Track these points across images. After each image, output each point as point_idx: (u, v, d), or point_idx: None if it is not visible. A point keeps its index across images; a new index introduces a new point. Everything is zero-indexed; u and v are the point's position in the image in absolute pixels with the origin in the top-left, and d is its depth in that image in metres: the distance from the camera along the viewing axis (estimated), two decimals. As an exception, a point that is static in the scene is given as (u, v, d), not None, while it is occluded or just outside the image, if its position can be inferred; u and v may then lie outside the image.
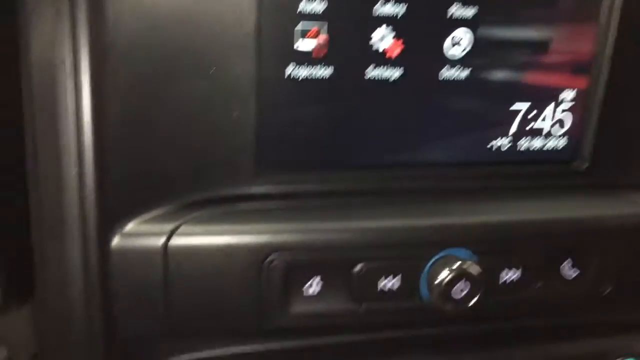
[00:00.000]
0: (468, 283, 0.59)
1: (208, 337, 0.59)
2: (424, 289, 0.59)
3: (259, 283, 0.56)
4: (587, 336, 0.69)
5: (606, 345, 0.69)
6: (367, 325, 0.62)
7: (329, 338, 0.63)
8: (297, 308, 0.58)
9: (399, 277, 0.59)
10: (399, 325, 0.63)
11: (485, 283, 0.59)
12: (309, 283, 0.57)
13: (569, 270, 0.64)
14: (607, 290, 0.65)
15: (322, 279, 0.58)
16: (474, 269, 0.59)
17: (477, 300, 0.59)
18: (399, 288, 0.59)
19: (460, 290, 0.59)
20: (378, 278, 0.58)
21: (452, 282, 0.58)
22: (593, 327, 0.70)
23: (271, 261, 0.56)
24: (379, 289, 0.59)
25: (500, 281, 0.62)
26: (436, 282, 0.58)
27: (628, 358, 0.69)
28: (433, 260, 0.59)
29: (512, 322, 0.67)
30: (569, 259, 0.64)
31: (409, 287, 0.59)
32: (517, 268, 0.62)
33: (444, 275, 0.58)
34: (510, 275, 0.62)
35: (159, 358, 0.59)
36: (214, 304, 0.56)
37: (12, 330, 0.56)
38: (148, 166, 0.53)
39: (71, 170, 0.50)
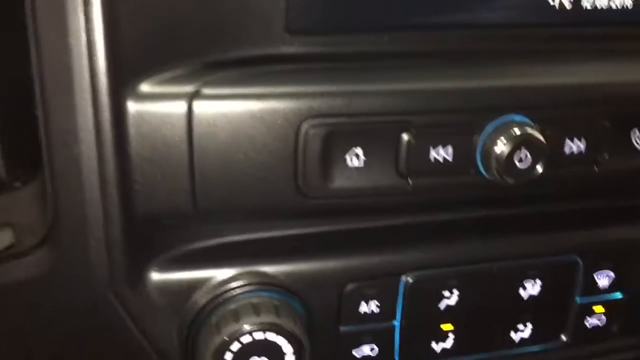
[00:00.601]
0: (530, 152, 0.51)
1: (238, 218, 0.53)
2: (480, 161, 0.52)
3: (294, 153, 0.49)
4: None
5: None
6: (415, 205, 0.55)
7: (373, 220, 0.56)
8: (338, 182, 0.51)
9: (451, 147, 0.52)
10: (451, 205, 0.57)
11: (548, 153, 0.52)
12: (350, 153, 0.50)
13: (638, 140, 0.57)
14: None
15: (365, 149, 0.51)
16: (538, 136, 0.51)
17: (541, 172, 0.52)
18: (452, 159, 0.52)
19: (520, 160, 0.51)
20: (428, 147, 0.51)
21: (513, 150, 0.51)
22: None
23: (308, 128, 0.49)
24: (429, 160, 0.52)
25: (565, 151, 0.54)
26: (495, 150, 0.51)
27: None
28: (490, 126, 0.52)
29: (576, 201, 0.60)
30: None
31: (464, 157, 0.52)
32: (583, 137, 0.54)
33: (504, 142, 0.51)
34: (575, 145, 0.55)
35: (183, 242, 0.52)
36: (244, 178, 0.49)
37: (18, 211, 0.49)
38: (166, 17, 0.45)
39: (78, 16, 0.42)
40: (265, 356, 0.51)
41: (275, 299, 0.52)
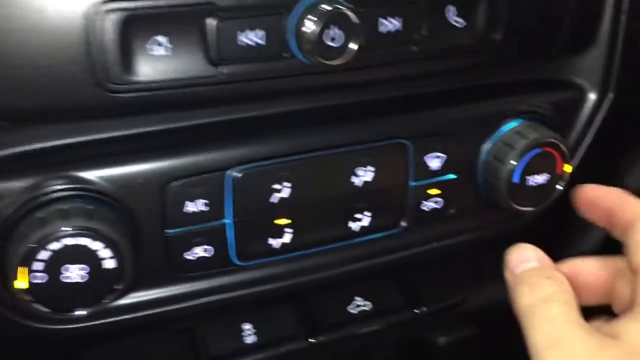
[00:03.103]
0: (342, 30, 0.50)
1: (39, 119, 0.49)
2: (292, 42, 0.50)
3: (87, 43, 0.45)
4: (473, 100, 0.63)
5: (493, 109, 0.64)
6: (231, 95, 0.53)
7: (189, 117, 0.54)
8: (142, 73, 0.48)
9: (262, 30, 0.50)
10: (272, 95, 0.55)
11: (361, 31, 0.51)
12: (152, 41, 0.47)
13: (454, 16, 0.56)
14: (497, 37, 0.59)
15: (170, 36, 0.48)
16: (347, 13, 0.50)
17: (355, 50, 0.51)
18: (263, 43, 0.50)
19: (332, 39, 0.50)
20: (236, 32, 0.49)
21: (323, 28, 0.49)
22: (478, 90, 0.64)
23: (102, 14, 0.45)
24: (239, 45, 0.49)
25: (381, 30, 0.53)
26: (305, 30, 0.49)
27: (516, 119, 0.64)
28: (300, 5, 0.50)
29: (400, 84, 0.60)
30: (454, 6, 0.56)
31: (275, 40, 0.50)
32: (397, 15, 0.54)
33: (314, 20, 0.49)
34: (390, 23, 0.54)
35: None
36: (37, 73, 0.45)
37: None
38: None
39: None
40: (81, 263, 0.48)
41: (88, 204, 0.49)
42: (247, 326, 0.69)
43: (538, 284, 0.48)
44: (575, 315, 0.45)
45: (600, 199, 0.56)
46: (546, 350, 0.43)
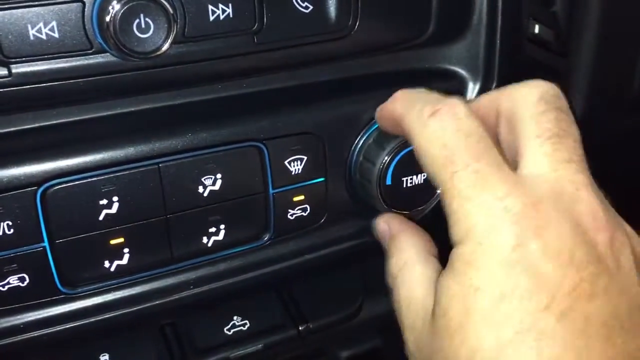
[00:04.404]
0: (153, 19, 0.43)
1: None
2: (97, 33, 0.43)
3: None
4: (335, 95, 0.57)
5: (359, 104, 0.57)
6: (28, 100, 0.45)
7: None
8: None
9: (53, 21, 0.42)
10: (78, 96, 0.47)
11: (187, 20, 0.44)
12: None
13: (299, 1, 0.50)
14: (352, 23, 0.52)
15: None
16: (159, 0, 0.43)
17: (175, 44, 0.44)
18: (58, 35, 0.42)
19: (142, 29, 0.43)
20: (27, 25, 0.41)
21: (126, 17, 0.42)
22: (341, 84, 0.58)
23: None
24: (30, 38, 0.42)
25: (210, 18, 0.46)
26: (107, 17, 0.42)
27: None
28: (97, -5, 0.42)
29: (249, 80, 0.53)
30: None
31: (74, 31, 0.43)
32: (229, 1, 0.47)
33: (115, 7, 0.42)
34: (219, 10, 0.47)
35: None
36: None
37: None
38: None
39: None
40: None
41: None
42: (104, 357, 0.61)
43: (389, 265, 0.51)
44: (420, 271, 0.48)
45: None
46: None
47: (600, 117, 0.76)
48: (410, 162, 0.56)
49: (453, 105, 0.43)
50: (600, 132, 0.73)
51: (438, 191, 0.58)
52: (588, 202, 0.40)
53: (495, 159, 0.41)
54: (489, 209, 0.39)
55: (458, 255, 0.41)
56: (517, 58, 0.62)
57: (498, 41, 0.60)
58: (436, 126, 0.43)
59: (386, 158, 0.56)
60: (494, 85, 0.62)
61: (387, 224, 0.55)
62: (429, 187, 0.59)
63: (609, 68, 0.76)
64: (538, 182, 0.40)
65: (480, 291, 0.39)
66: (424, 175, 0.58)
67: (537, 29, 0.68)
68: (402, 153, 0.56)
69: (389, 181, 0.57)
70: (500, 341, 0.37)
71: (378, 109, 0.53)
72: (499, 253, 0.38)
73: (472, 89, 0.62)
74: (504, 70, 0.61)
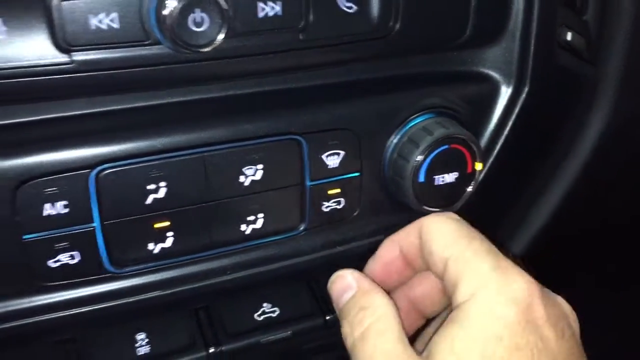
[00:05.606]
0: (207, 14, 0.45)
1: None
2: (154, 25, 0.45)
3: None
4: (373, 93, 0.59)
5: (395, 102, 0.59)
6: (89, 86, 0.47)
7: (39, 108, 0.48)
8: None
9: (114, 12, 0.45)
10: (133, 84, 0.50)
11: (236, 16, 0.46)
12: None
13: (345, 1, 0.52)
14: (395, 25, 0.54)
15: (5, 16, 0.42)
16: (216, -5, 0.45)
17: (226, 38, 0.46)
18: (116, 27, 0.45)
19: (198, 23, 0.45)
20: (87, 14, 0.44)
21: (184, 11, 0.44)
22: (380, 83, 0.59)
23: None
24: (91, 29, 0.44)
25: (259, 15, 0.49)
26: (165, 12, 0.44)
27: (425, 114, 0.59)
28: (158, -14, 0.45)
29: (292, 76, 0.56)
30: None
31: (133, 22, 0.45)
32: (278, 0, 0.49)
33: (174, 1, 0.44)
34: (268, 7, 0.49)
35: None
36: None
37: None
38: None
39: None
40: None
41: None
42: (140, 336, 0.64)
43: (356, 320, 0.47)
44: (391, 344, 0.45)
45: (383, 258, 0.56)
46: None
47: (628, 126, 0.78)
48: (443, 161, 0.59)
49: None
50: (628, 141, 0.75)
51: (469, 189, 0.60)
52: None
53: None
54: None
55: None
56: (549, 64, 0.64)
57: (532, 47, 0.62)
58: (450, 216, 0.53)
59: (420, 156, 0.58)
60: (525, 90, 0.64)
61: (355, 280, 0.51)
62: (458, 186, 0.61)
63: (637, 77, 0.78)
64: None
65: None
66: (455, 174, 0.60)
67: (569, 36, 0.69)
68: (435, 152, 0.58)
69: (421, 179, 0.59)
70: None
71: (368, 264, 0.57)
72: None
73: (505, 92, 0.64)
74: (536, 75, 0.63)
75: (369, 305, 0.47)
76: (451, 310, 0.46)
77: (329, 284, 0.52)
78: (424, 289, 0.55)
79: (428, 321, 0.57)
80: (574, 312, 0.48)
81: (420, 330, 0.57)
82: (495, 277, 0.45)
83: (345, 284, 0.50)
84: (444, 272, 0.48)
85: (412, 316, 0.56)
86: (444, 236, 0.49)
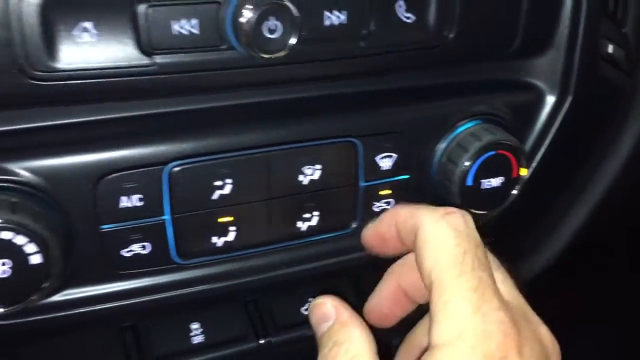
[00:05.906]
0: (280, 22, 0.48)
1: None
2: (230, 32, 0.49)
3: (8, 26, 0.44)
4: (425, 99, 0.62)
5: (446, 109, 0.62)
6: (168, 87, 0.51)
7: (119, 107, 0.52)
8: (68, 61, 0.46)
9: (195, 19, 0.48)
10: (205, 87, 0.53)
11: (301, 23, 0.49)
12: (78, 28, 0.46)
13: (404, 12, 0.55)
14: (450, 35, 0.57)
15: (97, 22, 0.46)
16: (287, 4, 0.48)
17: (295, 44, 0.49)
18: (197, 32, 0.48)
19: (271, 30, 0.48)
20: (169, 20, 0.47)
21: (261, 19, 0.48)
22: (431, 90, 0.62)
23: (21, -2, 0.43)
24: (172, 34, 0.48)
25: (325, 24, 0.52)
26: (242, 19, 0.48)
27: (473, 120, 0.62)
28: (237, -7, 0.48)
29: (350, 81, 0.58)
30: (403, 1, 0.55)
31: (211, 30, 0.48)
32: (343, 8, 0.52)
33: (251, 10, 0.47)
34: (334, 16, 0.52)
35: None
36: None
37: None
38: None
39: None
40: (4, 258, 0.46)
41: (12, 197, 0.47)
42: (195, 325, 0.67)
43: (329, 355, 0.45)
44: None
45: (380, 229, 0.54)
46: None
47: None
48: (490, 166, 0.61)
49: (463, 213, 0.48)
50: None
51: (513, 193, 0.63)
52: None
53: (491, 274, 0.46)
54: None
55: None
56: (592, 75, 0.67)
57: (577, 58, 0.64)
58: (452, 223, 0.46)
59: (469, 161, 0.61)
60: (569, 99, 0.66)
61: (334, 309, 0.48)
62: (503, 190, 0.64)
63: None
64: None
65: None
66: (501, 179, 0.63)
67: (610, 49, 0.72)
68: (483, 157, 0.61)
69: (469, 182, 0.62)
70: None
71: (368, 226, 0.56)
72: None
73: (549, 101, 0.67)
74: (579, 86, 0.66)
75: (344, 340, 0.45)
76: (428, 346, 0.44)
77: (309, 310, 0.50)
78: (413, 280, 0.52)
79: (419, 306, 0.56)
80: (556, 345, 0.47)
81: (410, 316, 0.57)
82: (472, 327, 0.42)
83: (324, 312, 0.48)
84: (429, 290, 0.45)
85: (402, 301, 0.55)
86: (435, 253, 0.46)
